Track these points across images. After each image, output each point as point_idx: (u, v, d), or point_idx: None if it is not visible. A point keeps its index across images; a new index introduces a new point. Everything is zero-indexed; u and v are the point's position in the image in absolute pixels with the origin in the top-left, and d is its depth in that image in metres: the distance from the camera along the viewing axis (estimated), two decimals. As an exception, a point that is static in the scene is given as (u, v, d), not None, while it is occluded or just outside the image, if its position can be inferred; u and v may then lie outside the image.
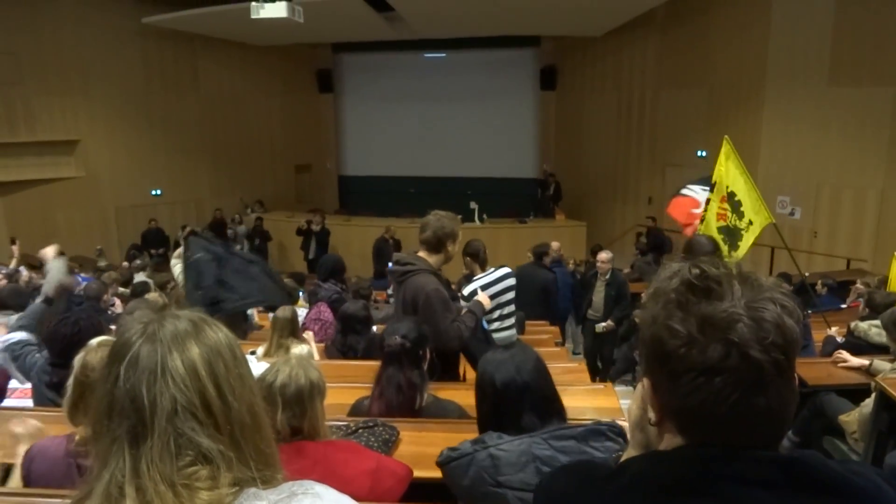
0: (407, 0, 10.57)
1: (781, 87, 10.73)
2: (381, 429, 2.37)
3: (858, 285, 6.90)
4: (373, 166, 16.48)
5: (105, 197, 13.12)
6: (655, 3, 10.91)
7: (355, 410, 2.78)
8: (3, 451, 2.26)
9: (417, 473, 2.07)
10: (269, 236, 13.26)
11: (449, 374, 3.36)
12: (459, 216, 3.54)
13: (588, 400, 3.16)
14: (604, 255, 6.69)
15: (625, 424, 1.74)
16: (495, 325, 4.26)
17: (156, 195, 13.81)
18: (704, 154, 11.99)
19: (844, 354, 4.28)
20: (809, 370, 4.19)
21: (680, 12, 12.16)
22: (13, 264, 7.12)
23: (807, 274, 7.03)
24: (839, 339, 4.82)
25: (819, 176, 10.59)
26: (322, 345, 4.54)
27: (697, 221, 5.40)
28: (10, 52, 11.43)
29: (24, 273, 6.67)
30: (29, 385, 3.26)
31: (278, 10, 8.85)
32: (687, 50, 12.51)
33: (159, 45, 13.27)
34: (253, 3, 8.90)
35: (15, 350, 3.38)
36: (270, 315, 4.54)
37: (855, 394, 3.96)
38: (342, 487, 0.91)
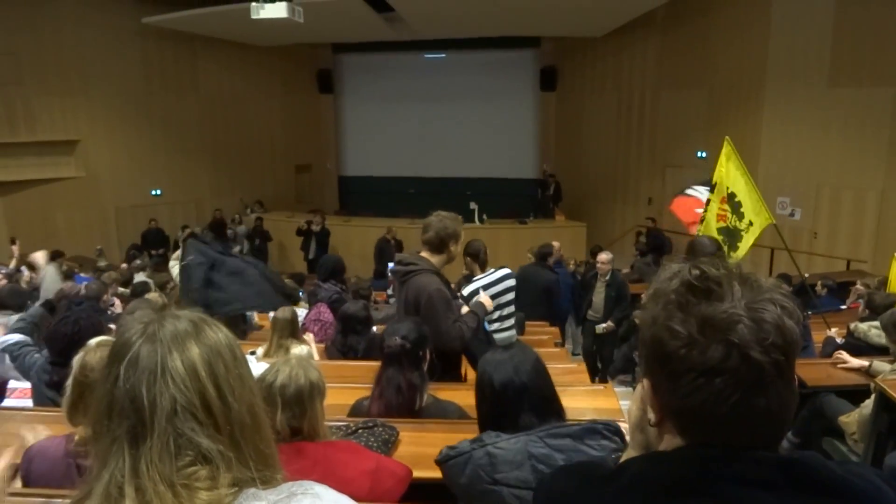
0: (407, 0, 10.57)
1: (781, 87, 10.73)
2: (380, 429, 2.37)
3: (858, 286, 6.91)
4: (373, 167, 16.48)
5: (105, 197, 13.12)
6: (655, 3, 10.91)
7: (355, 411, 2.78)
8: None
9: (417, 474, 2.07)
10: (269, 236, 13.26)
11: (451, 374, 3.37)
12: (460, 217, 3.54)
13: (588, 401, 3.16)
14: (604, 256, 6.69)
15: (625, 426, 1.74)
16: (495, 325, 4.26)
17: (156, 195, 13.82)
18: (704, 155, 12.00)
19: (844, 355, 4.28)
20: (809, 371, 4.19)
21: (680, 13, 12.17)
22: (13, 264, 7.12)
23: (806, 275, 7.03)
24: (839, 340, 4.82)
25: (819, 177, 10.59)
26: (322, 345, 4.54)
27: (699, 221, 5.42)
28: (11, 53, 11.43)
29: (26, 273, 6.67)
30: (28, 385, 3.26)
31: (278, 11, 8.85)
32: (687, 51, 12.52)
33: (159, 46, 13.27)
34: (253, 4, 8.90)
35: (13, 351, 3.38)
36: (271, 315, 4.55)
37: (855, 395, 3.96)
38: (342, 488, 0.91)
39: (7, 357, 3.43)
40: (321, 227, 12.33)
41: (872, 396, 3.65)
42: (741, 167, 5.13)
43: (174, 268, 4.83)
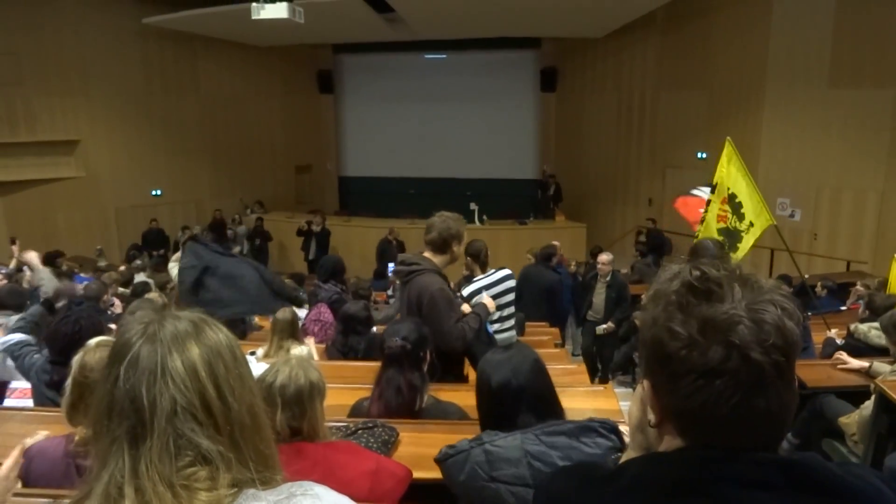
0: (407, 1, 10.58)
1: (782, 89, 10.73)
2: (380, 430, 2.36)
3: (858, 287, 6.91)
4: (373, 167, 16.49)
5: (105, 197, 13.12)
6: (655, 4, 10.91)
7: (355, 411, 2.78)
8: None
9: (417, 474, 2.07)
10: (270, 237, 13.26)
11: (453, 374, 3.37)
12: (462, 217, 3.55)
13: (588, 402, 3.15)
14: (604, 257, 6.68)
15: (625, 428, 1.74)
16: (495, 326, 4.26)
17: (156, 195, 13.82)
18: (705, 156, 12.00)
19: (844, 356, 4.28)
20: (809, 372, 4.18)
21: (680, 14, 12.17)
22: (13, 264, 7.12)
23: (807, 276, 7.04)
24: (839, 341, 4.82)
25: (819, 178, 10.60)
26: (322, 346, 4.54)
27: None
28: (11, 53, 11.44)
29: (27, 273, 6.67)
30: (28, 385, 3.26)
31: (279, 11, 8.86)
32: (687, 51, 12.52)
33: (160, 46, 13.28)
34: (253, 4, 8.91)
35: (14, 351, 3.38)
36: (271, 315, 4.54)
37: (854, 396, 3.95)
38: (341, 489, 0.91)
39: (8, 358, 3.43)
40: (321, 227, 12.33)
41: (872, 398, 3.65)
42: (742, 168, 5.13)
43: (174, 269, 4.83)
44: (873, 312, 4.90)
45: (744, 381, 0.79)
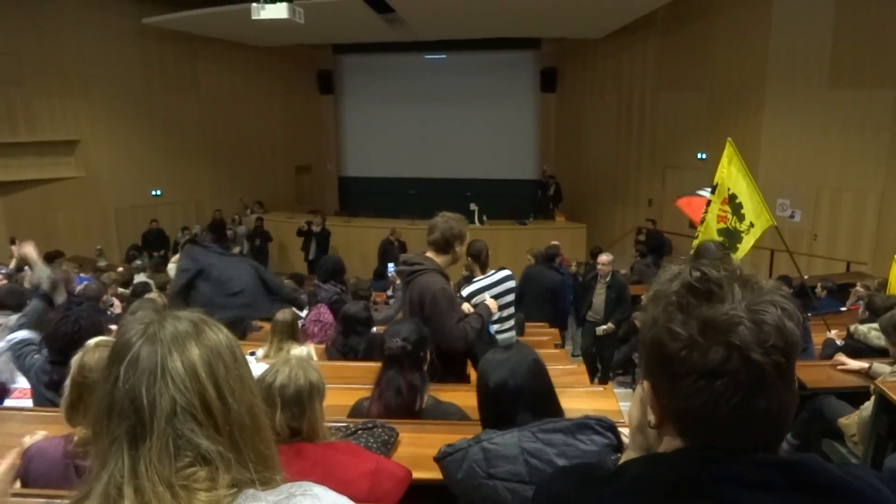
0: (407, 2, 10.58)
1: (782, 89, 10.74)
2: (380, 430, 2.36)
3: (858, 288, 6.91)
4: (373, 167, 16.49)
5: (105, 197, 13.13)
6: (656, 5, 10.92)
7: (355, 411, 2.78)
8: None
9: (416, 475, 2.07)
10: (270, 237, 13.26)
11: (455, 374, 3.38)
12: (465, 218, 3.56)
13: (587, 402, 3.15)
14: (604, 258, 6.68)
15: (625, 430, 1.74)
16: (495, 326, 4.26)
17: (156, 196, 13.82)
18: (705, 156, 12.00)
19: (843, 358, 4.28)
20: (809, 373, 4.19)
21: (680, 15, 12.18)
22: (13, 264, 7.11)
23: (806, 277, 7.04)
24: (839, 341, 4.82)
25: (819, 178, 10.60)
26: (322, 346, 4.54)
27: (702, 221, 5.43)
28: (11, 53, 11.44)
29: (29, 273, 6.66)
30: (28, 385, 3.26)
31: (279, 11, 8.86)
32: (687, 52, 12.52)
33: (160, 46, 13.28)
34: (254, 4, 8.91)
35: (16, 350, 3.37)
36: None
37: (854, 397, 3.95)
38: (341, 489, 0.91)
39: (12, 357, 3.43)
40: (321, 227, 12.33)
41: (872, 398, 3.65)
42: (743, 168, 5.13)
43: (173, 270, 4.84)
44: (873, 313, 4.90)
45: (744, 381, 0.79)
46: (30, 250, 4.08)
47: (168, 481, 0.81)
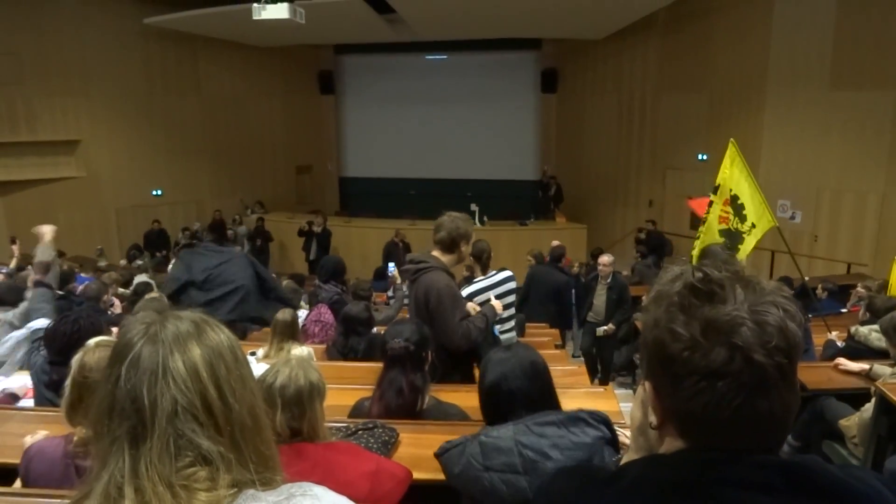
0: (408, 2, 10.58)
1: (782, 91, 10.74)
2: (380, 430, 2.36)
3: (859, 289, 6.91)
4: (373, 168, 16.49)
5: (106, 197, 13.13)
6: (656, 6, 10.92)
7: (356, 411, 2.78)
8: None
9: (417, 475, 2.07)
10: (270, 237, 13.26)
11: (462, 373, 3.39)
12: (471, 218, 3.58)
13: (588, 403, 3.13)
14: (605, 259, 6.67)
15: (626, 431, 1.75)
16: (497, 327, 4.26)
17: (156, 196, 13.83)
18: (705, 157, 12.00)
19: (843, 362, 4.28)
20: (810, 374, 4.18)
21: (681, 16, 12.18)
22: (13, 264, 7.11)
23: (807, 278, 7.03)
24: (839, 343, 4.81)
25: (820, 180, 10.60)
26: (323, 346, 4.53)
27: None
28: (12, 52, 11.45)
29: (31, 273, 6.65)
30: (30, 384, 3.26)
31: (280, 12, 8.86)
32: (688, 53, 12.53)
33: (161, 46, 13.29)
34: (255, 5, 8.91)
35: (32, 339, 3.36)
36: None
37: (855, 398, 3.95)
38: (341, 489, 0.91)
39: (26, 346, 3.41)
40: (322, 227, 12.33)
41: (873, 400, 3.65)
42: (745, 170, 5.14)
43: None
44: (874, 315, 4.90)
45: (746, 382, 0.79)
46: (47, 230, 4.00)
47: (168, 481, 0.81)
